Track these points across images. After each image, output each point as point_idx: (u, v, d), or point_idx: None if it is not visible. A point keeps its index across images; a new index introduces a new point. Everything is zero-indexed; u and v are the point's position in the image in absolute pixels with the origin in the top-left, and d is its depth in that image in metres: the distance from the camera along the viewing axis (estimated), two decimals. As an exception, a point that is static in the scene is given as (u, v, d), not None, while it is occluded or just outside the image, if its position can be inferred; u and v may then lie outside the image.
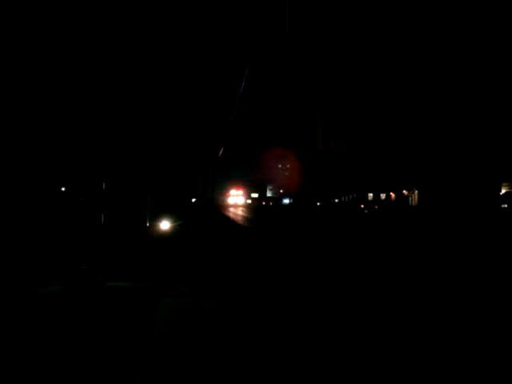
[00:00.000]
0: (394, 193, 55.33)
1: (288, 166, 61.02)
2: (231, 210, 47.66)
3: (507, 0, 35.13)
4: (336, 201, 62.33)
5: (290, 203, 57.32)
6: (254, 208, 51.15)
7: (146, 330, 2.81)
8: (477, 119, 38.11)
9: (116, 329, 2.76)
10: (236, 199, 72.72)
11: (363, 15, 41.04)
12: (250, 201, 74.28)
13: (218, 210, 42.29)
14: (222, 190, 73.31)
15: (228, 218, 33.68)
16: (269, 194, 77.93)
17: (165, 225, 16.69)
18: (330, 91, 46.88)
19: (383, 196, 57.26)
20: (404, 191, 52.46)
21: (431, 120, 41.82)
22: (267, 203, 66.41)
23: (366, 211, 43.41)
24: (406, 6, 40.09)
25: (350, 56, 44.91)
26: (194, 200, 33.91)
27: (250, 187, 78.48)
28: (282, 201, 56.91)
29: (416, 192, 49.77)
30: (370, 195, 59.54)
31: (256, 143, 64.71)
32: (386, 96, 45.78)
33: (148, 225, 17.74)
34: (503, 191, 39.47)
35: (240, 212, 43.59)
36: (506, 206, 36.65)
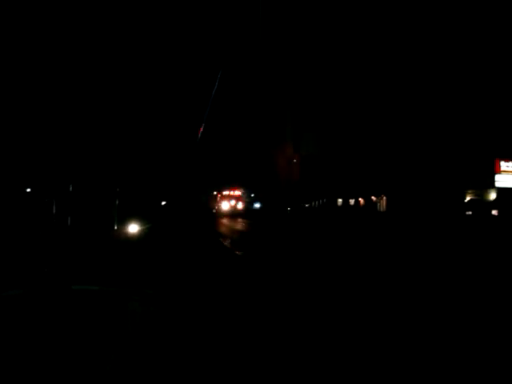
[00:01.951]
0: (362, 198, 56.03)
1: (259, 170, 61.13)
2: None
3: None
4: (306, 205, 62.77)
5: (260, 208, 57.26)
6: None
7: (111, 335, 2.73)
8: (442, 130, 39.00)
9: (80, 334, 2.68)
10: (230, 204, 55.28)
11: (336, 18, 41.58)
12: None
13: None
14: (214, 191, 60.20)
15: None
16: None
17: (133, 228, 16.47)
18: (302, 97, 47.27)
19: (352, 201, 57.92)
20: (373, 197, 53.20)
21: (399, 129, 42.60)
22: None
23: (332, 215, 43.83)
24: (372, 12, 40.79)
25: (320, 63, 45.42)
26: (163, 203, 33.54)
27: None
28: (252, 205, 56.61)
29: (384, 198, 50.56)
30: (340, 200, 60.15)
31: (229, 146, 64.27)
32: (356, 104, 46.42)
33: (116, 228, 17.48)
34: (468, 198, 40.46)
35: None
36: (470, 212, 37.56)
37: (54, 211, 15.24)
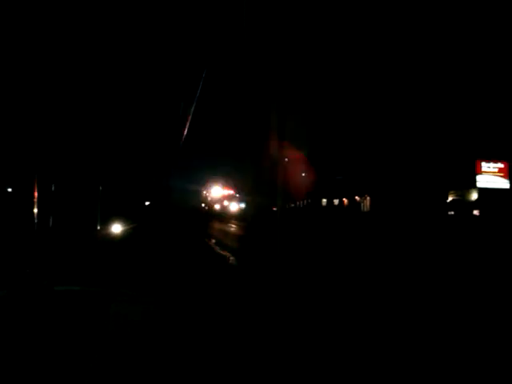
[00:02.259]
0: (346, 199, 56.36)
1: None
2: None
3: None
4: (292, 205, 62.93)
5: (245, 208, 57.30)
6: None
7: (94, 336, 2.71)
8: (425, 131, 39.41)
9: (62, 335, 2.65)
10: (222, 204, 47.72)
11: (323, 13, 41.72)
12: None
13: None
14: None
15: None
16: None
17: (116, 228, 16.34)
18: (287, 98, 47.34)
19: (336, 202, 58.22)
20: (356, 197, 53.54)
21: (382, 131, 42.93)
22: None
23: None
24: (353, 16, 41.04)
25: (305, 65, 45.56)
26: (147, 203, 33.31)
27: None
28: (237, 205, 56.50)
29: (368, 198, 50.92)
30: (324, 201, 60.41)
31: (214, 146, 63.90)
32: (341, 105, 46.67)
33: (99, 228, 17.30)
34: (450, 199, 40.95)
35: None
36: (452, 212, 38.06)
37: (36, 211, 15.03)
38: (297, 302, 7.86)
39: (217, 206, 50.35)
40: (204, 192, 54.45)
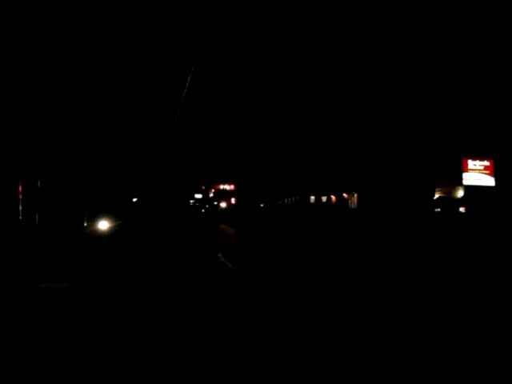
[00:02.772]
0: (334, 195, 56.57)
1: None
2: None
3: None
4: (279, 202, 63.01)
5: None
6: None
7: (80, 331, 2.69)
8: (412, 129, 39.67)
9: (48, 330, 2.64)
10: (229, 201, 43.11)
11: (307, 15, 41.72)
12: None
13: None
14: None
15: None
16: (211, 195, 59.42)
17: (103, 225, 16.22)
18: (273, 94, 47.29)
19: (324, 199, 58.41)
20: (344, 194, 53.77)
21: (370, 128, 43.12)
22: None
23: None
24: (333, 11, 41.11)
25: (292, 59, 45.54)
26: (135, 200, 33.08)
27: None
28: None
29: (355, 195, 51.18)
30: (312, 198, 60.55)
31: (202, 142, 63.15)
32: (328, 102, 46.74)
33: (85, 224, 17.16)
34: (437, 196, 41.33)
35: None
36: (439, 209, 38.44)
37: (21, 208, 14.86)
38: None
39: (223, 204, 46.52)
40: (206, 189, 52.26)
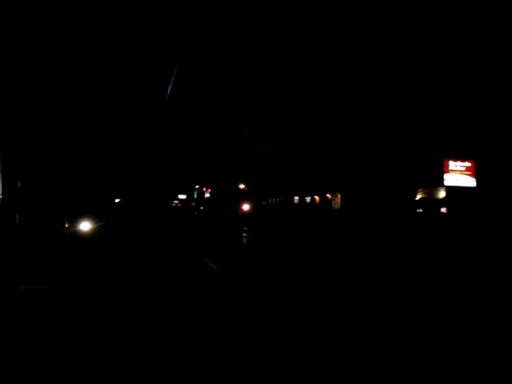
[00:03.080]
0: (318, 196, 56.86)
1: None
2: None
3: None
4: (264, 203, 63.08)
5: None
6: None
7: (60, 333, 2.65)
8: (395, 130, 40.04)
9: (27, 332, 2.59)
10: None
11: (292, 15, 41.83)
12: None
13: None
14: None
15: None
16: (196, 195, 58.62)
17: (85, 226, 16.06)
18: (259, 96, 47.37)
19: (308, 199, 58.67)
20: (328, 195, 54.06)
21: (353, 129, 43.43)
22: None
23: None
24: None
25: (278, 60, 45.65)
26: (117, 200, 32.82)
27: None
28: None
29: (339, 196, 51.48)
30: (296, 198, 60.78)
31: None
32: (311, 104, 46.96)
33: (67, 225, 16.99)
34: (419, 197, 41.80)
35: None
36: (421, 210, 38.86)
37: (1, 208, 14.66)
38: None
39: (245, 207, 42.22)
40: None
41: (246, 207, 40.72)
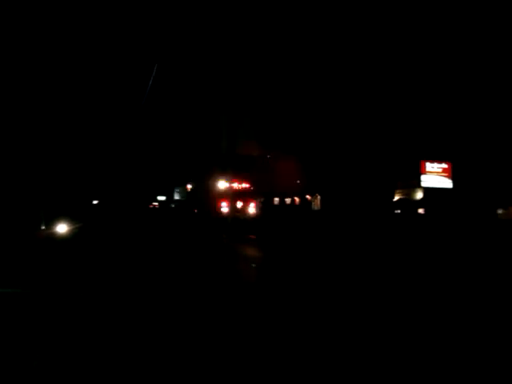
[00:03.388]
0: (298, 197, 57.03)
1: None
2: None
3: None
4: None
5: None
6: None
7: (33, 336, 2.63)
8: (373, 132, 40.46)
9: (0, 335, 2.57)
10: (235, 205, 33.76)
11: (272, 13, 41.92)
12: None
13: None
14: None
15: None
16: (176, 197, 56.93)
17: (62, 228, 15.84)
18: (238, 95, 47.37)
19: (288, 200, 58.79)
20: (307, 196, 54.30)
21: (331, 131, 43.75)
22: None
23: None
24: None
25: (256, 66, 45.75)
26: (95, 202, 32.45)
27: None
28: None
29: (318, 197, 51.77)
30: (276, 199, 60.80)
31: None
32: (291, 104, 47.15)
33: (43, 228, 16.73)
34: (397, 198, 42.29)
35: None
36: (399, 211, 39.33)
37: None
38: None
39: (224, 209, 35.82)
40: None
41: (251, 210, 34.97)
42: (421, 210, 38.49)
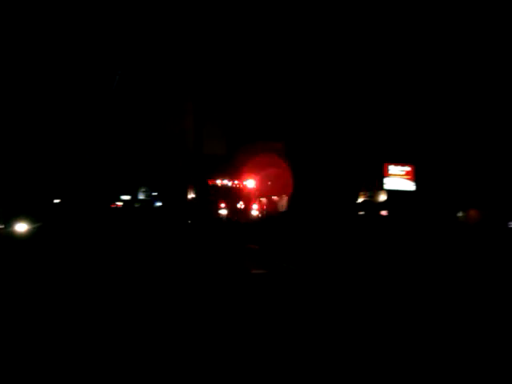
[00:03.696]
0: (265, 198, 57.26)
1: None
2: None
3: None
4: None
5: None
6: None
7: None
8: (337, 134, 41.01)
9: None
10: (236, 205, 28.71)
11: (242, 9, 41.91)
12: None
13: None
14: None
15: None
16: (141, 197, 56.03)
17: (21, 227, 15.45)
18: (206, 96, 47.19)
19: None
20: (274, 197, 54.59)
21: (297, 133, 44.11)
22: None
23: None
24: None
25: (223, 68, 45.70)
26: (57, 201, 31.75)
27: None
28: (154, 204, 54.63)
29: (285, 198, 52.14)
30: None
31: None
32: (258, 102, 47.27)
33: (2, 227, 16.28)
34: (361, 199, 43.03)
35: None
36: (363, 212, 40.04)
37: None
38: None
39: (222, 210, 29.80)
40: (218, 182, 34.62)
41: (254, 212, 29.47)
42: (384, 212, 39.23)
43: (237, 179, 33.46)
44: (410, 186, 41.07)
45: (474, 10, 34.56)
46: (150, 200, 53.18)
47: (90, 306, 6.61)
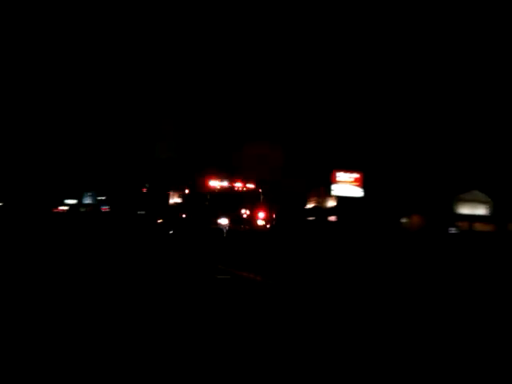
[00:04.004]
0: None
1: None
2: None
3: None
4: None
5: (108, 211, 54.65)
6: None
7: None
8: (288, 143, 41.59)
9: None
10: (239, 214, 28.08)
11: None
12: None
13: None
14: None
15: None
16: (88, 201, 55.49)
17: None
18: (160, 100, 46.76)
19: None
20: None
21: (250, 136, 44.37)
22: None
23: None
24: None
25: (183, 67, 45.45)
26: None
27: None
28: (100, 208, 53.16)
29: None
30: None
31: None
32: (214, 105, 47.29)
33: None
34: (312, 205, 43.71)
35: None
36: (313, 218, 40.70)
37: None
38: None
39: (223, 220, 28.14)
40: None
41: (260, 221, 28.51)
42: (333, 218, 39.94)
43: (238, 181, 30.51)
44: (358, 192, 41.87)
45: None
46: (97, 204, 51.93)
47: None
